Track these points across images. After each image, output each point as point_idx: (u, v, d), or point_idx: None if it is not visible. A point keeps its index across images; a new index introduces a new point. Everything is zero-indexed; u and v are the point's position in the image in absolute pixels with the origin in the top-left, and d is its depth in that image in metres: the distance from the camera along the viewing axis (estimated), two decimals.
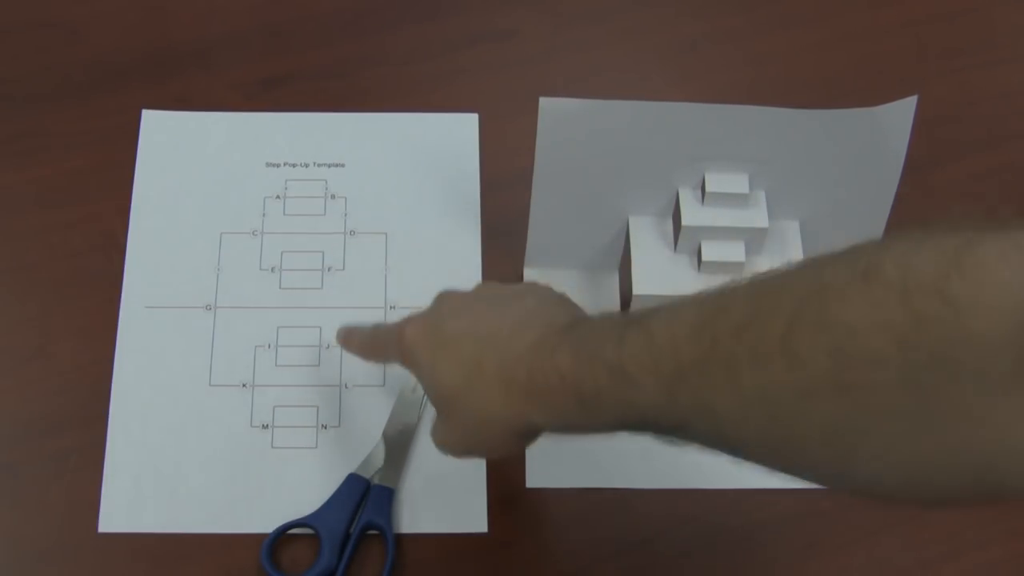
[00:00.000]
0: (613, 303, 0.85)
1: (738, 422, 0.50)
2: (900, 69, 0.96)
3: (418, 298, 0.84)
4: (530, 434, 0.64)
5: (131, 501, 0.77)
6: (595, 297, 0.85)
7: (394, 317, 0.83)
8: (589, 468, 0.80)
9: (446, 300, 0.68)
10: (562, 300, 0.65)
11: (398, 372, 0.81)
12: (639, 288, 0.79)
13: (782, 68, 0.95)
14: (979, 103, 0.95)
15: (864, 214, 0.82)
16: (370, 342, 0.73)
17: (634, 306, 0.80)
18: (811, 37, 0.98)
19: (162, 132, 0.90)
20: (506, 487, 0.79)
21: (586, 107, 0.76)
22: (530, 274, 0.85)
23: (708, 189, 0.78)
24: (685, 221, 0.79)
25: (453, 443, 0.68)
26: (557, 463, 0.79)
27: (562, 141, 0.78)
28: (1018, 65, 0.98)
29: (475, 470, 0.79)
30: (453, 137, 0.91)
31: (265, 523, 0.76)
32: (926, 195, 0.89)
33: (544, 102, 0.76)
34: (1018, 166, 0.93)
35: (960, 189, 0.90)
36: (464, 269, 0.86)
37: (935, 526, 0.79)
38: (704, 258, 0.79)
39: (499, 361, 0.61)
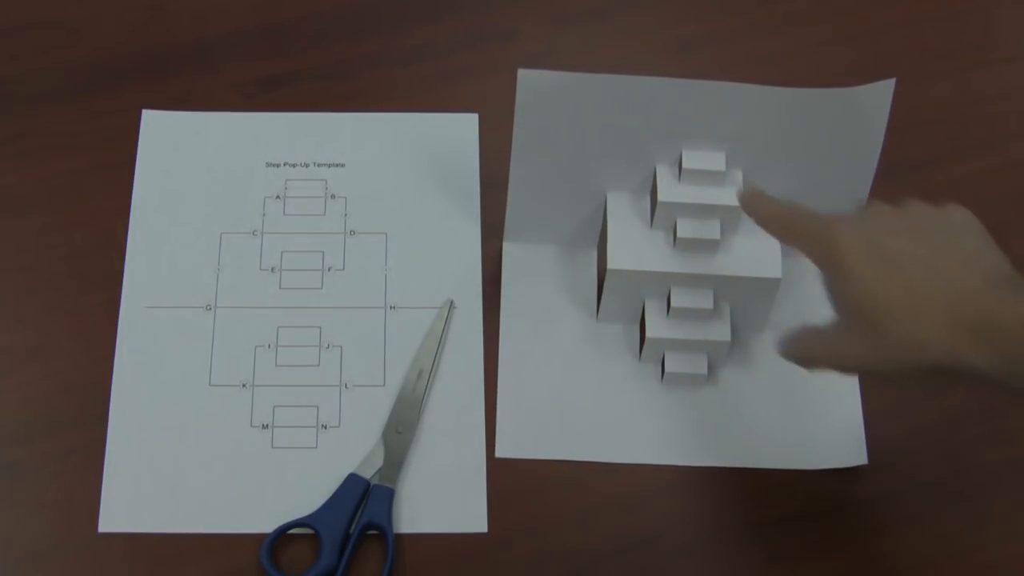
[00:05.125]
0: (590, 278, 0.85)
1: None
2: (900, 69, 0.96)
3: (418, 298, 0.84)
4: (951, 375, 0.61)
5: (131, 501, 0.77)
6: (573, 272, 0.86)
7: (394, 317, 0.84)
8: (558, 441, 0.80)
9: (882, 213, 0.65)
10: (997, 248, 0.63)
11: (398, 372, 0.82)
12: (614, 263, 0.80)
13: (782, 68, 0.95)
14: (979, 103, 0.95)
15: (842, 197, 0.82)
16: (789, 220, 0.68)
17: (609, 281, 0.81)
18: (811, 37, 0.98)
19: (162, 132, 0.90)
20: (506, 487, 0.79)
21: (565, 80, 0.77)
22: (509, 248, 0.86)
23: (684, 166, 0.79)
24: (661, 197, 0.79)
25: (855, 357, 0.65)
26: (526, 435, 0.80)
27: (541, 113, 0.79)
28: (1018, 65, 0.98)
29: (475, 470, 0.79)
30: (453, 137, 0.91)
31: (265, 523, 0.76)
32: (926, 195, 0.89)
33: (523, 74, 0.77)
34: (1018, 166, 0.93)
35: (960, 189, 0.90)
36: (464, 269, 0.86)
37: (935, 526, 0.79)
38: (679, 235, 0.79)
39: (951, 292, 0.60)
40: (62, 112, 0.91)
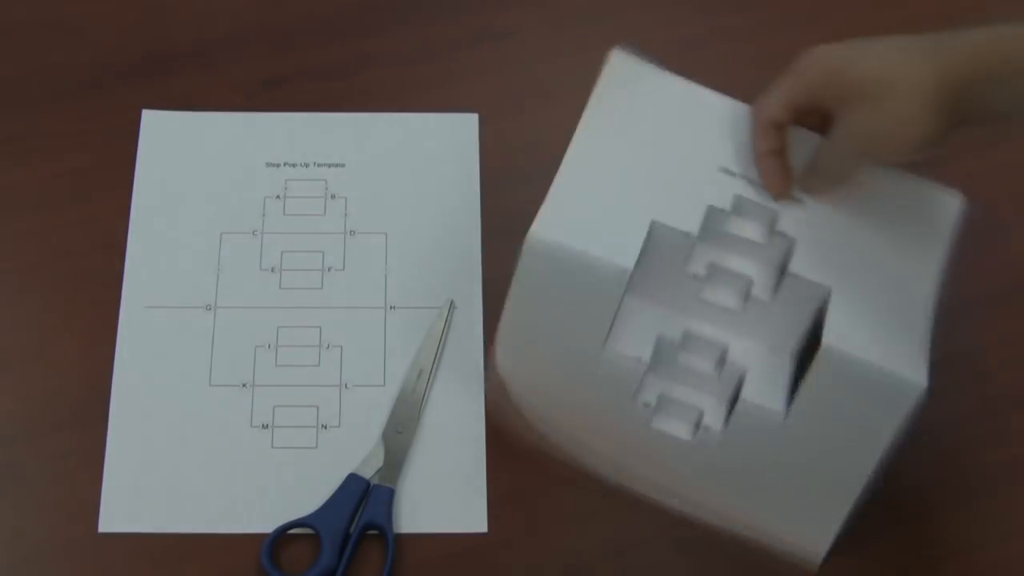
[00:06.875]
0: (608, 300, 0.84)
1: None
2: None
3: (418, 298, 0.84)
4: (944, 115, 0.67)
5: (131, 501, 0.78)
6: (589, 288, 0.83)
7: (394, 317, 0.84)
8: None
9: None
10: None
11: (398, 372, 0.82)
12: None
13: (782, 68, 0.95)
14: None
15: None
16: (776, 88, 0.73)
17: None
18: (811, 37, 0.97)
19: (162, 132, 0.90)
20: (506, 487, 0.79)
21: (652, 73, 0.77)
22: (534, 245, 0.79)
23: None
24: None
25: (869, 134, 0.70)
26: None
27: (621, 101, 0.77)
28: None
29: (475, 470, 0.79)
30: (453, 137, 0.91)
31: (265, 523, 0.76)
32: None
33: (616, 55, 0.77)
34: (1019, 166, 0.93)
35: (960, 189, 0.90)
36: (464, 269, 0.86)
37: (935, 526, 0.79)
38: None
39: (929, 43, 0.68)
40: (62, 112, 0.91)
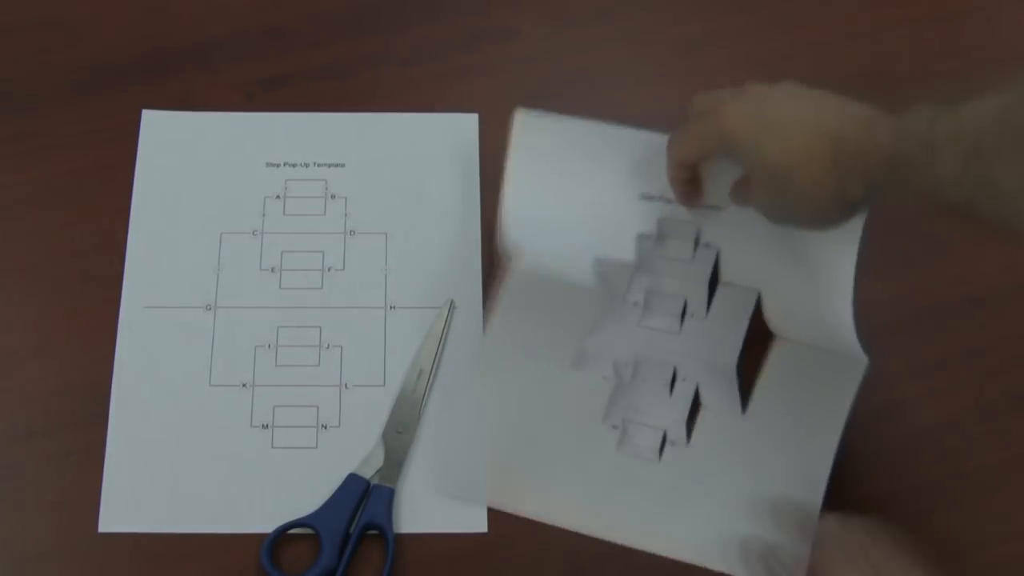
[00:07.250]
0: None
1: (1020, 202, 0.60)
2: (900, 69, 0.96)
3: (418, 298, 0.84)
4: (846, 206, 0.71)
5: (131, 501, 0.78)
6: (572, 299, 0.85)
7: (394, 317, 0.84)
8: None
9: (755, 89, 0.74)
10: (829, 94, 0.73)
11: (398, 372, 0.82)
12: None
13: (782, 68, 0.95)
14: None
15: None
16: (690, 138, 0.76)
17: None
18: (811, 37, 0.98)
19: (162, 132, 0.90)
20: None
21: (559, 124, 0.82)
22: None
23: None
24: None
25: (777, 213, 0.75)
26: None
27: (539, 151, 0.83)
28: (1018, 65, 0.97)
29: (475, 470, 0.79)
30: (453, 137, 0.91)
31: (265, 523, 0.76)
32: None
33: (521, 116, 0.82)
34: None
35: None
36: (464, 269, 0.86)
37: (936, 526, 0.79)
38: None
39: (829, 142, 0.69)
40: (62, 112, 0.91)
